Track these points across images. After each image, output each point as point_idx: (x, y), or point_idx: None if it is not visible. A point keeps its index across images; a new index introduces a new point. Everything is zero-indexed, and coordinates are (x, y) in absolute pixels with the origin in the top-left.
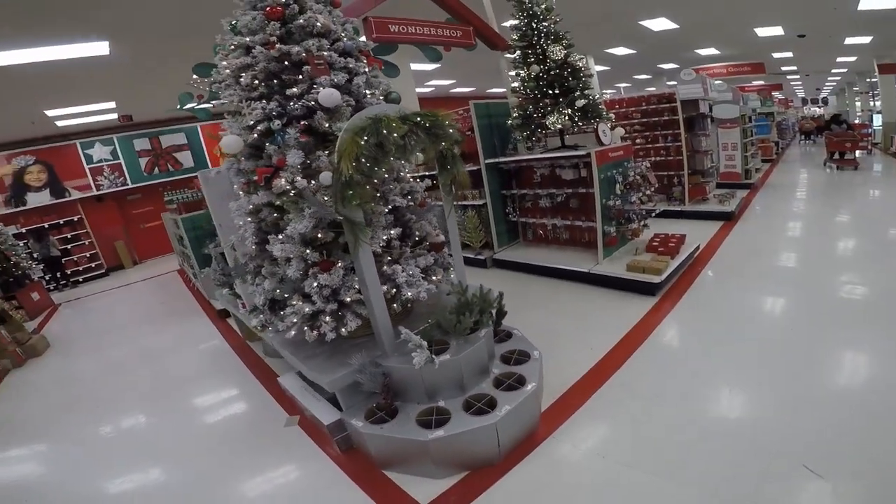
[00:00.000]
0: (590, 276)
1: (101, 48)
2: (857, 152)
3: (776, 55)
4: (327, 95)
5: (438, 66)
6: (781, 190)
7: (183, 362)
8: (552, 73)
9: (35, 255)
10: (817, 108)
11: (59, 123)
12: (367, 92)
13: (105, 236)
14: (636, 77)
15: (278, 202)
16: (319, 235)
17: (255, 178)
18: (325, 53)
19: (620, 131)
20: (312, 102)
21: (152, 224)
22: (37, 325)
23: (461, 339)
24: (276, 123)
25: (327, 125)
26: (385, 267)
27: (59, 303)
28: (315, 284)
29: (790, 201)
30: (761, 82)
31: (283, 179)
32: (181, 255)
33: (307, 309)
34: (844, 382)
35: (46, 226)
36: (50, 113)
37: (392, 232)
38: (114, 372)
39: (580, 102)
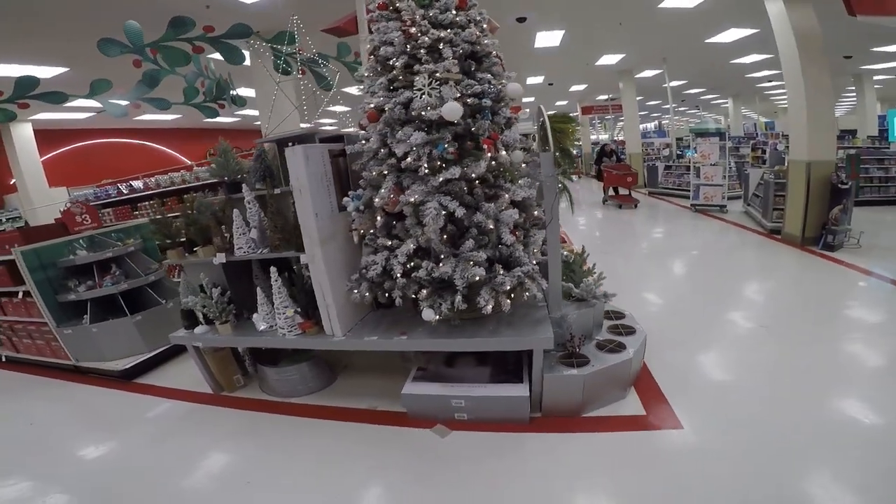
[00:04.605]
0: None
1: None
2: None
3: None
4: (516, 89)
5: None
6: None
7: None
8: None
9: None
10: None
11: None
12: None
13: None
14: None
15: (477, 175)
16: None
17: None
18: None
19: None
20: (501, 89)
21: None
22: None
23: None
24: (486, 101)
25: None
26: None
27: None
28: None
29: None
30: None
31: (503, 151)
32: None
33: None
34: None
35: None
36: None
37: None
38: None
39: None
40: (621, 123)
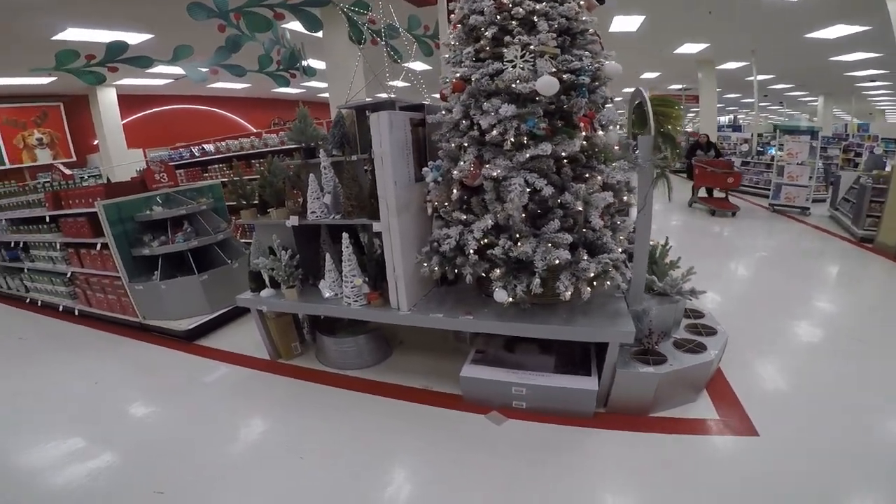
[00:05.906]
0: None
1: None
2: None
3: None
4: (615, 68)
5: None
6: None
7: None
8: None
9: None
10: None
11: None
12: None
13: None
14: None
15: (568, 153)
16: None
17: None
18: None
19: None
20: (599, 67)
21: None
22: None
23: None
24: (584, 78)
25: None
26: None
27: None
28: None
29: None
30: None
31: (600, 131)
32: None
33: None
34: None
35: None
36: None
37: None
38: None
39: None
40: (691, 115)
